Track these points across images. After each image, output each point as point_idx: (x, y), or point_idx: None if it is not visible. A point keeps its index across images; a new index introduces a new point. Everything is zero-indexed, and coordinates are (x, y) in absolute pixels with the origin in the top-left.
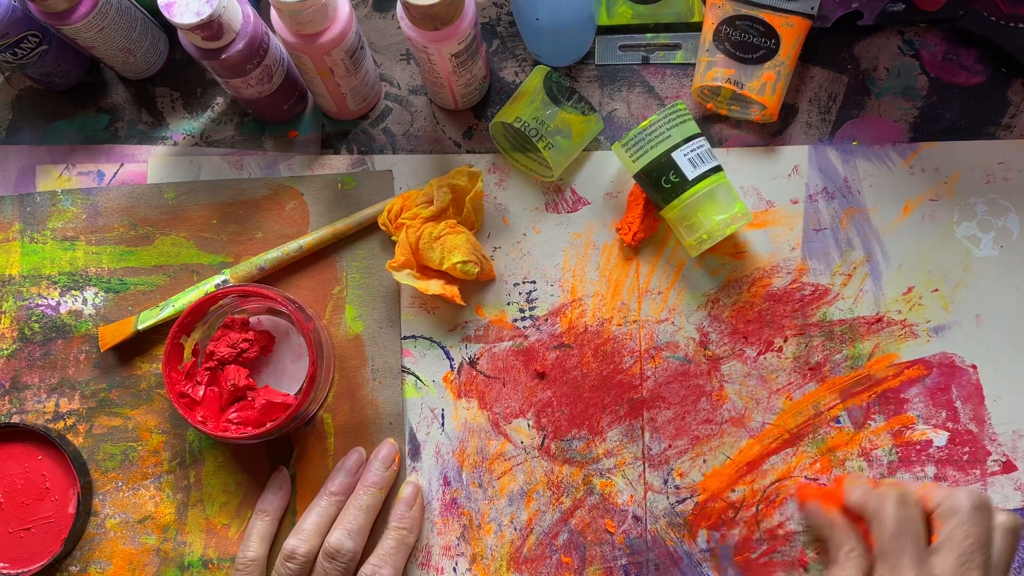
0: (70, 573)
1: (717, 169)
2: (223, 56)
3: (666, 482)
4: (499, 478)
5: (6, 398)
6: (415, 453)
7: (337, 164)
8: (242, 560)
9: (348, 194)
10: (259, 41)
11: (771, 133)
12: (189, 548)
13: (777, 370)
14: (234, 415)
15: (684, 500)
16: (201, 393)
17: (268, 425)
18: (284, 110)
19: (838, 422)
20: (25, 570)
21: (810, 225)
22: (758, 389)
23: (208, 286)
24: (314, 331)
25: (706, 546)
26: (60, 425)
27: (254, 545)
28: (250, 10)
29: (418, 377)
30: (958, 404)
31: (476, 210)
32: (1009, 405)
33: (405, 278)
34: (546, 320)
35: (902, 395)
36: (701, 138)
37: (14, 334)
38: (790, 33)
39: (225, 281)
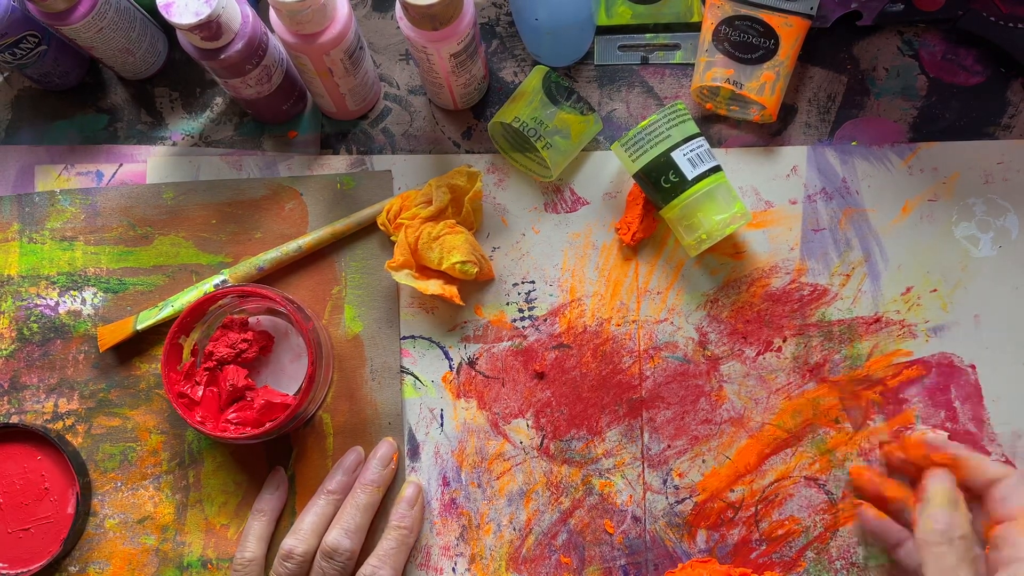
0: (69, 573)
1: (716, 169)
2: (222, 56)
3: (665, 482)
4: (498, 478)
5: (5, 398)
6: (414, 453)
7: (336, 164)
8: (240, 560)
9: (347, 194)
10: (258, 41)
11: (770, 133)
12: (188, 548)
13: (776, 370)
14: (233, 415)
15: (683, 500)
16: (200, 393)
17: (267, 425)
18: (283, 110)
19: (837, 422)
20: (24, 570)
21: (809, 225)
22: (757, 389)
23: (207, 286)
24: (313, 331)
25: (705, 546)
26: (59, 425)
27: (251, 545)
28: (249, 10)
29: (417, 377)
30: (957, 404)
31: (475, 210)
32: (1008, 405)
33: (404, 278)
34: (545, 320)
35: (901, 395)
36: (701, 138)
37: (13, 334)
38: (789, 33)
39: (224, 281)
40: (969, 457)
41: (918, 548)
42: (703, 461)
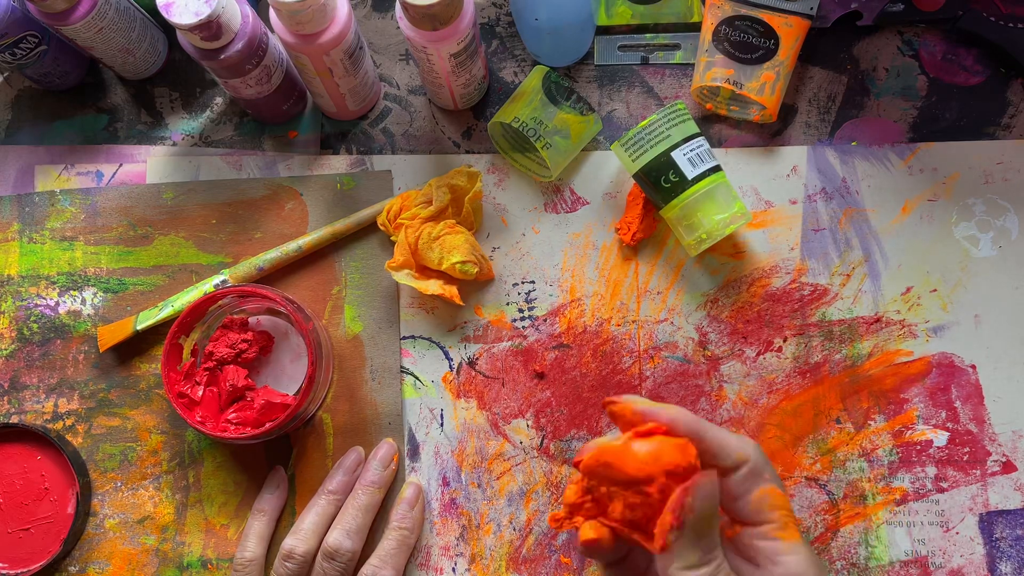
0: (69, 573)
1: (716, 169)
2: (222, 56)
3: None
4: (498, 478)
5: (5, 398)
6: (414, 453)
7: (336, 164)
8: (240, 560)
9: (347, 194)
10: (258, 41)
11: (770, 133)
12: (188, 548)
13: (776, 370)
14: (233, 415)
15: None
16: (200, 393)
17: (267, 425)
18: (283, 110)
19: (838, 422)
20: (24, 570)
21: (809, 225)
22: (757, 389)
23: (207, 286)
24: (313, 331)
25: None
26: (59, 425)
27: (251, 545)
28: (249, 10)
29: (417, 377)
30: (958, 404)
31: (475, 210)
32: (1009, 405)
33: (404, 278)
34: (545, 320)
35: (902, 395)
36: (701, 138)
37: (13, 334)
38: (789, 33)
39: (224, 281)
40: (703, 436)
41: None
42: None
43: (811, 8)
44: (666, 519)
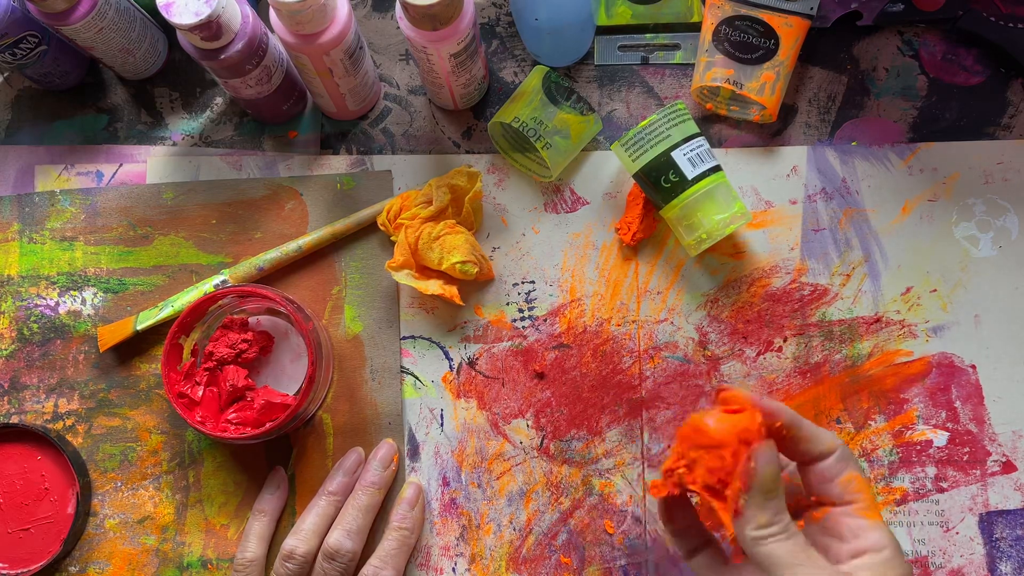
0: (69, 573)
1: (716, 169)
2: (222, 56)
3: None
4: (498, 478)
5: (5, 398)
6: (414, 453)
7: (336, 164)
8: (240, 560)
9: (347, 194)
10: (258, 41)
11: (770, 133)
12: (188, 548)
13: (777, 370)
14: (233, 415)
15: None
16: (200, 393)
17: (267, 425)
18: (283, 110)
19: (838, 422)
20: (24, 570)
21: (809, 225)
22: (757, 389)
23: (207, 286)
24: (313, 331)
25: None
26: (59, 425)
27: (252, 545)
28: (249, 10)
29: (417, 377)
30: (958, 404)
31: (475, 210)
32: (1009, 405)
33: (404, 278)
34: (545, 320)
35: (902, 395)
36: (701, 138)
37: (13, 334)
38: (789, 33)
39: (224, 281)
40: (801, 426)
41: (748, 545)
42: None
43: (811, 8)
44: (735, 485)
